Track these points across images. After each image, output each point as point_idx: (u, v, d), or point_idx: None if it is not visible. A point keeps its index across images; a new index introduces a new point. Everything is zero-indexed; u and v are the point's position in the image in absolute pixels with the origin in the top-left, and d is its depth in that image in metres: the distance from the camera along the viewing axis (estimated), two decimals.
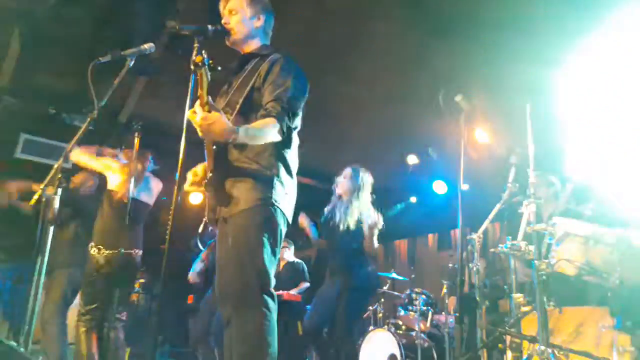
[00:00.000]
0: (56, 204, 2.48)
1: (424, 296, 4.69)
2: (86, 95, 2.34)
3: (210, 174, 2.04)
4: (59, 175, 2.42)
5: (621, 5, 3.16)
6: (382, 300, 5.19)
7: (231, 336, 1.97)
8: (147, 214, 3.86)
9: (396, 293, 5.25)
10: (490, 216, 3.31)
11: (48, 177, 2.40)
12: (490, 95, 4.06)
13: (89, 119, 2.42)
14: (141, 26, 4.04)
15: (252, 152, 2.06)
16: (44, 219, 2.57)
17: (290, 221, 2.16)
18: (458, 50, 4.38)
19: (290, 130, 2.06)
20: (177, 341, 7.04)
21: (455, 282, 4.34)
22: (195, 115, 1.79)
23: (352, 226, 3.77)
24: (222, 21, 2.20)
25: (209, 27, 1.98)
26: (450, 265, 4.97)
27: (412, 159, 6.59)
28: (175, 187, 1.88)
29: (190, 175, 2.20)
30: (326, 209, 4.03)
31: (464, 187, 2.68)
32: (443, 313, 4.56)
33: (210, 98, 1.77)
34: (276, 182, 2.06)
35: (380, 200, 4.09)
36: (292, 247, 6.34)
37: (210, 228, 2.22)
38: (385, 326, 4.60)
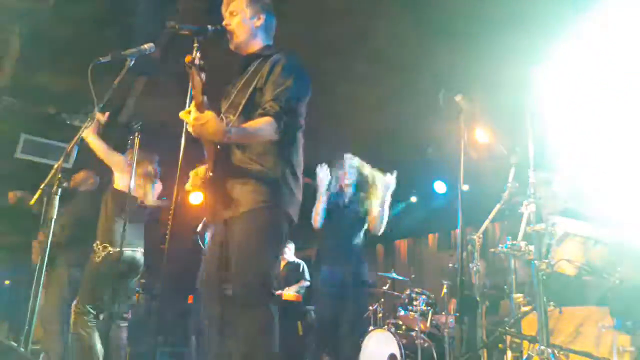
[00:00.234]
0: (56, 203, 2.48)
1: (424, 296, 4.68)
2: (86, 95, 2.33)
3: (210, 174, 2.04)
4: (59, 175, 2.42)
5: (621, 6, 3.16)
6: (382, 300, 5.18)
7: (218, 334, 1.98)
8: (147, 213, 3.88)
9: (396, 293, 5.24)
10: (490, 216, 3.31)
11: (48, 177, 2.40)
12: (490, 95, 4.06)
13: (89, 119, 2.42)
14: (141, 26, 4.04)
15: (256, 153, 2.05)
16: (44, 218, 2.58)
17: (296, 221, 2.14)
18: (458, 50, 4.38)
19: (291, 129, 2.05)
20: (177, 341, 7.04)
21: (456, 282, 4.34)
22: (188, 115, 1.79)
23: (361, 216, 3.82)
24: (224, 23, 2.21)
25: (209, 27, 1.98)
26: (450, 265, 4.97)
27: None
28: (175, 187, 1.88)
29: (191, 175, 2.20)
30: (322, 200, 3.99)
31: (464, 187, 2.67)
32: (443, 313, 4.56)
33: (205, 98, 1.77)
34: (280, 184, 2.05)
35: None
36: (292, 247, 6.34)
37: (209, 227, 2.22)
38: (385, 326, 4.59)
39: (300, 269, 6.14)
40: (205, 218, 2.18)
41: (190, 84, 1.78)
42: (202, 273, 2.94)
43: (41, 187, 2.43)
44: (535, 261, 2.31)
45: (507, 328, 2.93)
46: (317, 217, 3.94)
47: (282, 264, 6.12)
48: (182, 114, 1.83)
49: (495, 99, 4.14)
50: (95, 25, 4.34)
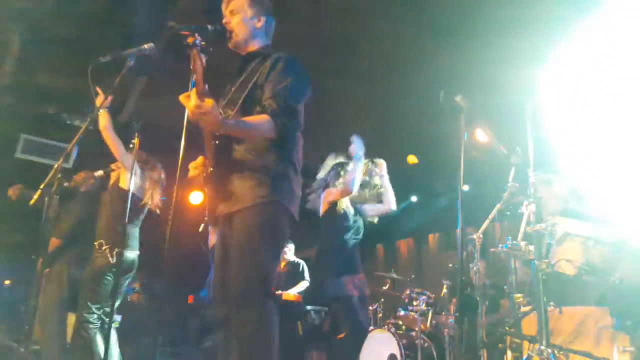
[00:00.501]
0: (56, 203, 2.49)
1: (424, 296, 4.68)
2: (86, 95, 2.34)
3: (211, 170, 2.04)
4: (59, 175, 2.42)
5: (622, 9, 3.16)
6: (382, 300, 5.18)
7: (231, 335, 1.97)
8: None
9: (396, 293, 5.24)
10: (490, 216, 3.31)
11: (48, 177, 2.40)
12: (490, 95, 4.06)
13: (89, 119, 2.42)
14: (141, 26, 4.04)
15: (256, 149, 2.05)
16: (44, 218, 2.57)
17: (296, 218, 2.14)
18: (458, 50, 4.38)
19: (290, 127, 2.04)
20: (177, 341, 7.04)
21: (456, 282, 4.34)
22: (188, 100, 1.79)
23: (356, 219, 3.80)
24: (223, 21, 2.21)
25: (209, 27, 1.98)
26: (450, 265, 4.97)
27: (412, 159, 6.59)
28: (175, 187, 1.89)
29: (191, 166, 2.19)
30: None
31: (465, 187, 2.67)
32: (443, 313, 4.56)
33: (206, 86, 1.77)
34: (281, 180, 2.05)
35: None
36: (292, 247, 6.34)
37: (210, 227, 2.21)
38: (385, 326, 4.60)
39: (300, 269, 6.14)
40: (206, 218, 2.17)
41: (191, 67, 1.76)
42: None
43: (41, 187, 2.43)
44: (535, 261, 2.30)
45: (507, 328, 2.93)
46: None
47: (283, 263, 6.12)
48: (181, 97, 1.82)
49: (495, 99, 4.14)
50: (95, 25, 4.34)
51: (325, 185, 3.91)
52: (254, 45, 2.26)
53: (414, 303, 4.63)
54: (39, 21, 4.28)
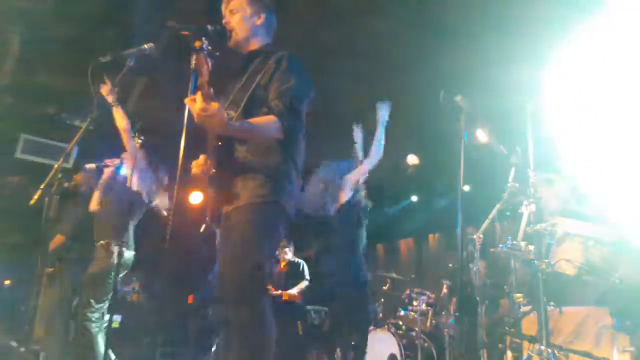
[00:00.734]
0: (56, 203, 2.49)
1: (424, 296, 4.68)
2: (86, 95, 2.34)
3: (214, 171, 2.04)
4: (59, 175, 2.42)
5: (624, 9, 3.16)
6: (382, 300, 5.18)
7: (230, 334, 1.97)
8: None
9: (396, 293, 5.24)
10: (490, 216, 3.31)
11: (48, 177, 2.41)
12: (490, 95, 4.06)
13: (89, 119, 2.42)
14: (141, 26, 4.04)
15: (259, 150, 2.05)
16: (44, 218, 2.57)
17: (292, 219, 2.14)
18: (458, 50, 4.38)
19: (294, 128, 2.04)
20: (177, 341, 7.04)
21: (456, 282, 4.34)
22: (194, 103, 1.78)
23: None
24: (223, 21, 2.21)
25: (209, 27, 1.98)
26: (450, 265, 4.97)
27: (412, 159, 6.59)
28: (175, 187, 1.88)
29: (193, 165, 2.18)
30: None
31: (465, 187, 2.67)
32: (443, 313, 4.56)
33: (211, 90, 1.77)
34: (283, 181, 2.06)
35: (381, 200, 4.08)
36: (292, 247, 6.34)
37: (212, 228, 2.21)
38: (385, 326, 4.60)
39: (300, 269, 6.14)
40: (207, 219, 2.16)
41: (196, 71, 1.76)
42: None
43: (41, 187, 2.43)
44: (535, 261, 2.31)
45: (507, 328, 2.93)
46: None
47: (283, 263, 6.12)
48: (187, 100, 1.82)
49: (495, 99, 4.14)
50: (95, 25, 4.34)
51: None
52: (255, 44, 2.25)
53: (414, 303, 4.63)
54: (39, 21, 4.28)
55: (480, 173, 4.18)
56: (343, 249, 3.71)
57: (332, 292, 3.78)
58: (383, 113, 3.83)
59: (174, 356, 6.96)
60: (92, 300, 3.38)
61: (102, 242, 3.50)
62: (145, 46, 2.35)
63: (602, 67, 3.13)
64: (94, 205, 3.71)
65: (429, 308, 4.62)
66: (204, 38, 1.74)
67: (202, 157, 2.17)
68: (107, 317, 3.39)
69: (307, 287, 5.99)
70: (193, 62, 1.78)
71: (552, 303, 2.67)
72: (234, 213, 2.02)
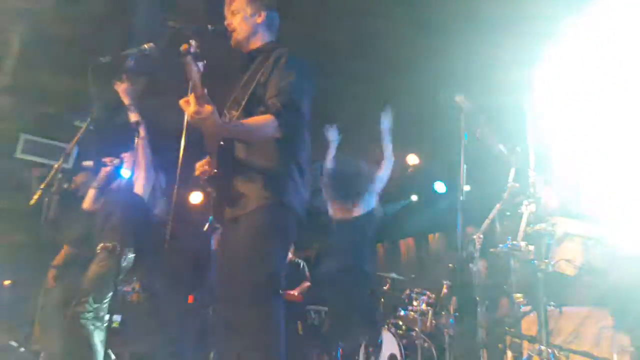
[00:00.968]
0: (56, 204, 2.49)
1: (424, 296, 4.68)
2: (86, 95, 2.34)
3: (215, 172, 2.02)
4: (59, 175, 2.42)
5: (620, 7, 3.16)
6: (382, 300, 5.18)
7: (232, 335, 1.96)
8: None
9: (396, 293, 5.23)
10: (491, 216, 3.31)
11: (48, 177, 2.41)
12: (490, 95, 4.06)
13: (89, 119, 2.42)
14: (142, 26, 4.04)
15: (261, 150, 2.03)
16: (44, 218, 2.57)
17: (303, 219, 2.11)
18: (459, 50, 4.38)
19: (295, 126, 2.01)
20: (177, 341, 7.03)
21: (456, 282, 4.34)
22: (187, 105, 1.77)
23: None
24: (225, 22, 2.21)
25: (209, 27, 1.97)
26: (450, 265, 4.97)
27: (412, 159, 6.60)
28: (175, 187, 1.88)
29: (197, 166, 2.17)
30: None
31: (466, 187, 2.67)
32: (443, 313, 4.56)
33: (205, 91, 1.75)
34: (286, 180, 2.02)
35: (380, 200, 4.08)
36: (292, 247, 6.34)
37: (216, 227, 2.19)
38: (385, 326, 4.59)
39: (301, 269, 6.14)
40: (211, 217, 2.15)
41: (188, 74, 1.74)
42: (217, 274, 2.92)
43: (41, 187, 2.43)
44: (535, 261, 2.30)
45: (507, 328, 2.93)
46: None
47: None
48: (181, 102, 1.80)
49: (495, 99, 4.14)
50: (95, 25, 4.34)
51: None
52: (256, 43, 2.25)
53: (414, 303, 4.63)
54: (39, 21, 4.28)
55: (480, 173, 4.18)
56: (351, 245, 3.77)
57: (339, 285, 3.77)
58: (385, 120, 3.86)
59: (174, 356, 6.96)
60: (90, 299, 3.37)
61: (106, 243, 3.49)
62: (146, 46, 2.35)
63: (601, 65, 3.13)
64: (87, 203, 3.69)
65: (429, 308, 4.62)
66: (191, 41, 1.72)
67: (207, 159, 2.17)
68: (107, 317, 3.39)
69: (307, 287, 6.00)
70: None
71: (552, 303, 2.67)
72: (243, 219, 1.98)
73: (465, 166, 2.60)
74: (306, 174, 2.13)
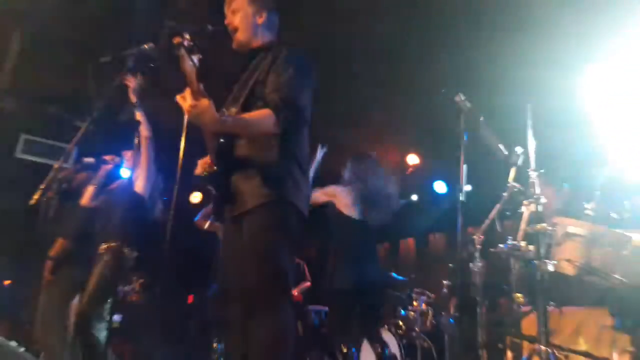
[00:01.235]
0: (56, 204, 2.49)
1: (424, 296, 4.68)
2: (86, 95, 2.34)
3: (214, 169, 2.02)
4: (59, 175, 2.42)
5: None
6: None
7: (237, 336, 1.95)
8: None
9: (396, 293, 5.23)
10: (491, 216, 3.30)
11: (48, 177, 2.40)
12: (490, 95, 4.05)
13: (89, 119, 2.42)
14: (141, 26, 4.04)
15: (260, 146, 2.02)
16: (44, 218, 2.57)
17: (306, 216, 2.09)
18: (459, 50, 4.38)
19: (293, 122, 1.99)
20: (178, 341, 7.03)
21: (456, 282, 4.34)
22: (184, 100, 1.76)
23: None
24: (226, 22, 2.21)
25: (209, 27, 1.97)
26: (450, 265, 4.97)
27: (412, 159, 6.60)
28: (175, 187, 1.88)
29: (199, 163, 2.17)
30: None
31: (467, 187, 2.67)
32: (443, 313, 4.56)
33: (201, 85, 1.73)
34: (285, 177, 2.01)
35: None
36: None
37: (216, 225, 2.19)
38: (385, 326, 4.59)
39: (301, 270, 6.13)
40: (211, 217, 2.15)
41: (182, 68, 1.72)
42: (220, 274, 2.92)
43: (41, 187, 2.43)
44: (535, 261, 2.30)
45: (507, 328, 2.92)
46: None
47: None
48: (178, 98, 1.79)
49: (495, 99, 4.14)
50: (95, 25, 4.34)
51: None
52: (257, 42, 2.25)
53: (414, 303, 4.63)
54: (39, 21, 4.28)
55: (480, 173, 4.17)
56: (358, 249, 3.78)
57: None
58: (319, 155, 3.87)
59: (174, 356, 6.95)
60: (98, 301, 3.37)
61: (110, 244, 3.48)
62: (145, 46, 2.35)
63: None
64: (86, 200, 3.69)
65: (429, 308, 4.62)
66: (184, 34, 1.71)
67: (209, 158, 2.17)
68: (118, 317, 3.40)
69: (307, 288, 6.00)
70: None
71: (552, 303, 2.67)
72: (246, 218, 1.97)
73: (465, 166, 2.60)
74: (306, 170, 2.13)
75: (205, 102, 1.74)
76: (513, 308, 3.01)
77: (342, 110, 5.51)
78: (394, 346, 4.28)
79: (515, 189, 3.00)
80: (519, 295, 3.00)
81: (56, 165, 2.43)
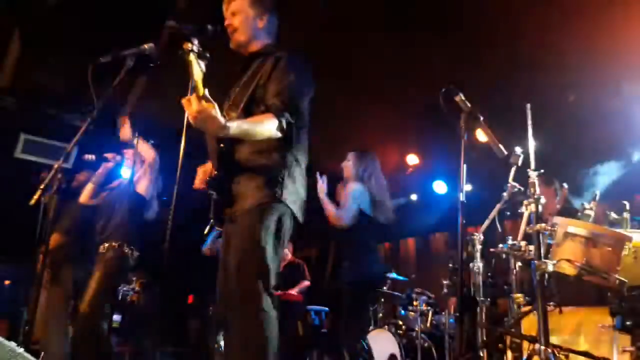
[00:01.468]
0: (56, 203, 2.48)
1: (424, 296, 4.69)
2: (86, 95, 2.34)
3: (216, 173, 2.03)
4: (59, 175, 2.42)
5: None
6: (382, 300, 5.18)
7: (231, 336, 1.96)
8: None
9: (396, 293, 5.24)
10: (491, 216, 3.31)
11: (48, 177, 2.40)
12: (491, 95, 4.06)
13: (89, 119, 2.42)
14: (141, 26, 4.04)
15: (260, 150, 2.04)
16: (44, 218, 2.57)
17: (300, 219, 2.12)
18: (459, 50, 4.38)
19: (294, 127, 2.02)
20: (177, 341, 7.03)
21: (456, 282, 4.34)
22: (189, 104, 1.76)
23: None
24: (225, 23, 2.21)
25: (209, 27, 1.97)
26: (450, 265, 4.97)
27: (412, 159, 6.60)
28: (175, 187, 1.88)
29: (200, 172, 2.19)
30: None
31: (467, 187, 2.67)
32: (443, 313, 4.56)
33: (206, 90, 1.74)
34: (285, 181, 2.03)
35: None
36: (291, 247, 6.34)
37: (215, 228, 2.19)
38: (385, 326, 4.60)
39: (301, 269, 6.13)
40: (212, 219, 2.15)
41: (190, 73, 1.74)
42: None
43: (41, 187, 2.43)
44: (535, 261, 2.30)
45: (507, 328, 2.92)
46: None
47: (283, 264, 6.11)
48: (183, 101, 1.79)
49: (495, 99, 4.14)
50: (95, 25, 4.34)
51: None
52: (256, 45, 2.25)
53: (414, 303, 4.64)
54: (39, 21, 4.28)
55: (480, 173, 4.18)
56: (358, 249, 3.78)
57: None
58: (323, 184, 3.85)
59: (174, 356, 6.96)
60: (103, 300, 3.37)
61: (113, 243, 3.48)
62: (145, 46, 2.34)
63: None
64: (85, 198, 3.69)
65: (429, 308, 4.62)
66: (193, 39, 1.72)
67: (209, 165, 2.18)
68: (117, 317, 3.42)
69: (307, 287, 5.99)
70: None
71: (552, 303, 2.67)
72: (239, 218, 2.00)
73: (465, 166, 2.60)
74: (305, 175, 2.14)
75: (211, 107, 1.74)
76: (513, 308, 3.01)
77: (342, 110, 5.52)
78: (394, 346, 4.28)
79: (515, 189, 3.00)
80: (519, 295, 3.00)
81: (56, 165, 2.42)
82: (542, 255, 2.32)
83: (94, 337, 3.30)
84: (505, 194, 3.10)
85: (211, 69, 1.76)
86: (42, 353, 3.80)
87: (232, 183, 2.03)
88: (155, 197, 3.80)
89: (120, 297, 5.30)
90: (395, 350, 4.25)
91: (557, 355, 2.24)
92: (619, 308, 2.39)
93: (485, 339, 3.22)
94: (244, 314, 1.91)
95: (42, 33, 4.46)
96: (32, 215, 4.03)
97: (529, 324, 2.88)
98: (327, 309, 5.84)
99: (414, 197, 7.60)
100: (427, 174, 6.92)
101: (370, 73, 4.96)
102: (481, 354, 3.16)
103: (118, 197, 3.73)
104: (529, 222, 2.46)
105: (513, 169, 3.04)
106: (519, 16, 3.94)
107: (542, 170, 2.44)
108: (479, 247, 3.33)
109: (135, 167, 3.56)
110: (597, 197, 2.74)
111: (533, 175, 2.42)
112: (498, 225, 3.25)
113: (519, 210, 2.54)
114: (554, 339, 2.47)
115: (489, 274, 3.98)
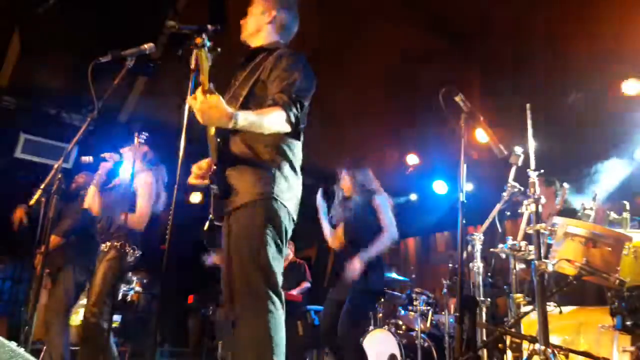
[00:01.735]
0: (56, 204, 2.48)
1: (424, 296, 4.68)
2: (86, 95, 2.34)
3: (215, 167, 2.03)
4: (59, 175, 2.42)
5: None
6: (382, 300, 5.18)
7: (236, 336, 1.95)
8: None
9: (396, 293, 5.24)
10: (491, 216, 3.30)
11: (48, 177, 2.40)
12: (490, 95, 4.06)
13: (89, 119, 2.42)
14: (141, 26, 4.04)
15: (256, 145, 2.03)
16: (44, 218, 2.57)
17: (295, 218, 2.10)
18: (459, 50, 4.38)
19: (297, 123, 2.01)
20: (177, 341, 7.04)
21: (456, 282, 4.34)
22: (195, 101, 1.76)
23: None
24: (241, 21, 2.28)
25: (209, 26, 1.97)
26: (450, 265, 4.97)
27: (412, 159, 6.60)
28: (175, 187, 1.88)
29: (194, 169, 2.19)
30: (332, 209, 4.02)
31: (467, 187, 2.66)
32: (443, 313, 4.56)
33: (212, 85, 1.74)
34: (279, 177, 2.02)
35: None
36: (292, 247, 6.33)
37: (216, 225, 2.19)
38: (385, 326, 4.60)
39: (302, 270, 6.13)
40: (211, 217, 2.14)
41: (198, 67, 1.72)
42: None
43: (41, 187, 2.43)
44: (535, 261, 2.30)
45: (507, 328, 2.92)
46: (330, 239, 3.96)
47: (285, 264, 6.11)
48: (189, 100, 1.78)
49: (495, 99, 4.14)
50: (95, 25, 4.34)
51: None
52: (260, 40, 2.26)
53: (414, 303, 4.63)
54: (39, 21, 4.28)
55: (480, 173, 4.18)
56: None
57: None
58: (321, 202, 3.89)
59: (174, 356, 6.96)
60: (105, 300, 3.36)
61: (114, 242, 3.48)
62: (145, 46, 2.34)
63: None
64: (88, 202, 3.69)
65: (429, 308, 4.62)
66: (204, 35, 1.72)
67: (203, 162, 2.18)
68: (117, 317, 3.41)
69: (308, 288, 5.99)
70: (193, 60, 1.76)
71: (552, 303, 2.67)
72: (235, 214, 1.99)
73: (465, 166, 2.60)
74: (299, 173, 2.14)
75: (215, 97, 1.74)
76: (513, 308, 3.01)
77: (342, 110, 5.52)
78: (394, 346, 4.28)
79: (515, 189, 3.00)
80: (519, 295, 3.00)
81: (56, 165, 2.42)
82: (542, 255, 2.32)
83: (95, 337, 3.30)
84: (505, 194, 3.10)
85: (211, 69, 1.76)
86: (43, 352, 3.81)
87: (230, 178, 2.03)
88: (163, 189, 3.78)
89: (120, 297, 5.30)
90: (395, 350, 4.24)
91: (557, 355, 2.24)
92: (619, 308, 2.39)
93: (485, 339, 3.22)
94: (249, 314, 1.89)
95: (42, 33, 4.45)
96: (33, 215, 4.05)
97: (529, 324, 2.88)
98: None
99: (414, 197, 7.60)
100: (427, 174, 6.91)
101: (370, 73, 4.96)
102: (481, 354, 3.16)
103: (118, 196, 3.73)
104: (529, 222, 2.46)
105: (513, 169, 3.04)
106: (519, 16, 3.94)
107: (542, 170, 2.44)
108: (479, 247, 3.33)
109: (134, 165, 3.55)
110: (597, 197, 2.74)
111: (533, 175, 2.42)
112: (498, 225, 3.24)
113: (519, 210, 2.54)
114: (554, 339, 2.47)
115: (489, 274, 3.98)
